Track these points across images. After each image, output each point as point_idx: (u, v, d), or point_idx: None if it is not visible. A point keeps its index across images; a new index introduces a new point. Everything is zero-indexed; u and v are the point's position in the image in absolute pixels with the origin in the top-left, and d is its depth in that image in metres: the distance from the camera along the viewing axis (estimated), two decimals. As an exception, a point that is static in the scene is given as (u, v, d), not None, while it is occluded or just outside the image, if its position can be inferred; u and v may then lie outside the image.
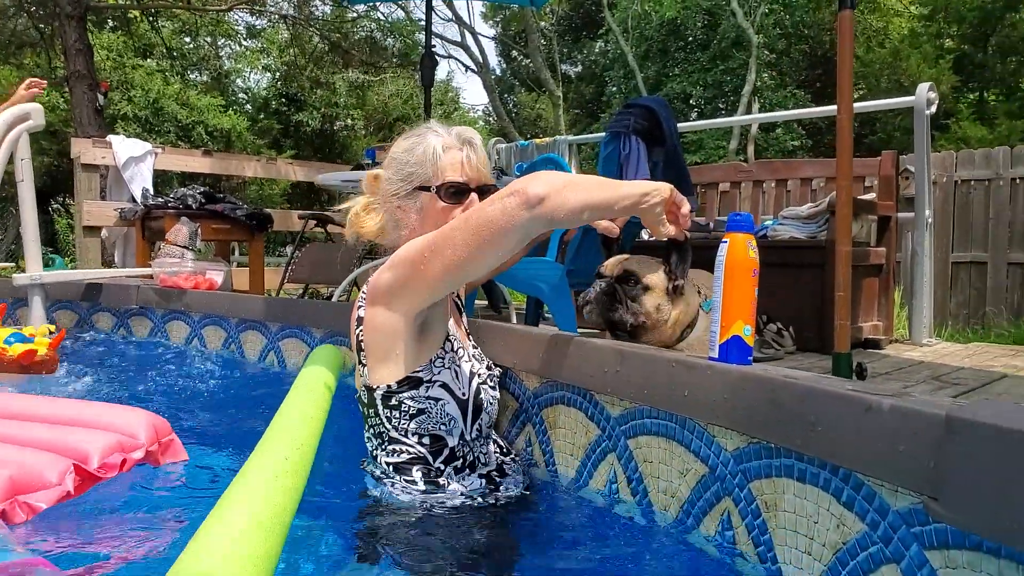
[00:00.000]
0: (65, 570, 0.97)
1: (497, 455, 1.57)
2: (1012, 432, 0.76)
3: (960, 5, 11.88)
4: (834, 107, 2.43)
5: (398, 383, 1.46)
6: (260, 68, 16.86)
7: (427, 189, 1.55)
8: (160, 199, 5.21)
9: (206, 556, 0.87)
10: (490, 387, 1.58)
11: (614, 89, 16.38)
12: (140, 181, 5.49)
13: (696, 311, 1.65)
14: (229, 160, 6.49)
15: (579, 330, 3.39)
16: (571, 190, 1.27)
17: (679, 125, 3.98)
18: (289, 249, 10.57)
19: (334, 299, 4.55)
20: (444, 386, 1.47)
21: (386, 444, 1.50)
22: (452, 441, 1.48)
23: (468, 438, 1.50)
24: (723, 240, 1.26)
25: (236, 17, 14.27)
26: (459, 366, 1.51)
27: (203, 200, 5.11)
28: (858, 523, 0.98)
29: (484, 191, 1.55)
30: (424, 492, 1.44)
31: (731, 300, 1.23)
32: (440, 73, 20.63)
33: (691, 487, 1.28)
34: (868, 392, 0.95)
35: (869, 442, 0.93)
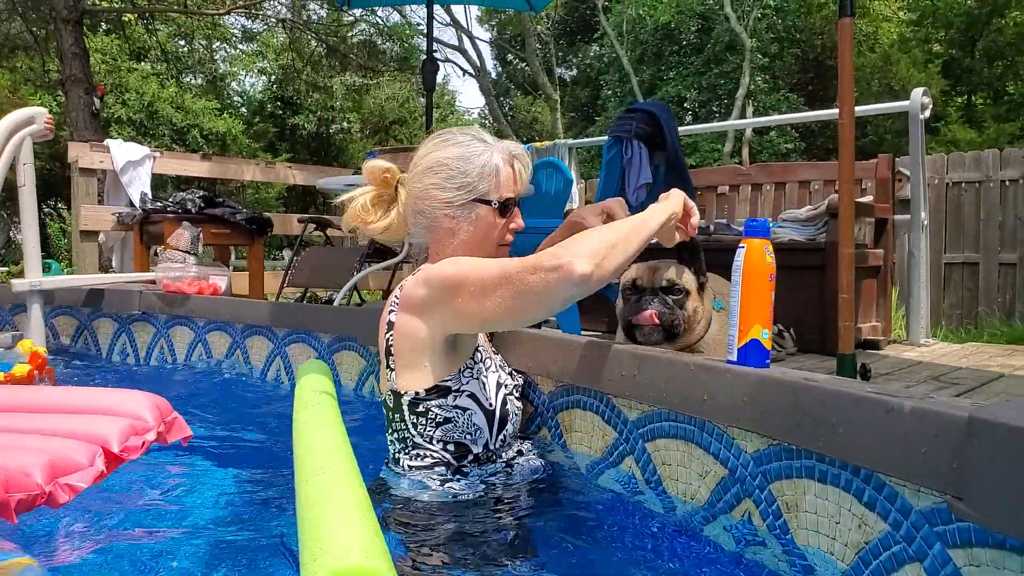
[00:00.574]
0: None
1: (516, 452, 1.60)
2: (1036, 433, 0.78)
3: (948, 11, 12.00)
4: (832, 111, 2.46)
5: (426, 391, 1.47)
6: (256, 71, 16.84)
7: (486, 203, 1.55)
8: (159, 203, 5.21)
9: (347, 554, 0.90)
10: (515, 398, 1.61)
11: (609, 93, 16.43)
12: (138, 185, 5.48)
13: (711, 309, 1.68)
14: (228, 164, 6.49)
15: (582, 332, 3.41)
16: (612, 254, 1.30)
17: (678, 129, 4.02)
18: (286, 253, 10.57)
19: (335, 303, 4.56)
20: (472, 396, 1.49)
21: (409, 449, 1.51)
22: (476, 449, 1.50)
23: (492, 447, 1.52)
24: (740, 245, 1.28)
25: (232, 20, 14.26)
26: (486, 377, 1.53)
27: (202, 204, 5.10)
28: (880, 523, 1.00)
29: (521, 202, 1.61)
30: (444, 481, 1.47)
31: (749, 304, 1.26)
32: (437, 77, 20.62)
33: (711, 489, 1.30)
34: (889, 395, 0.98)
35: (891, 443, 0.95)
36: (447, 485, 1.46)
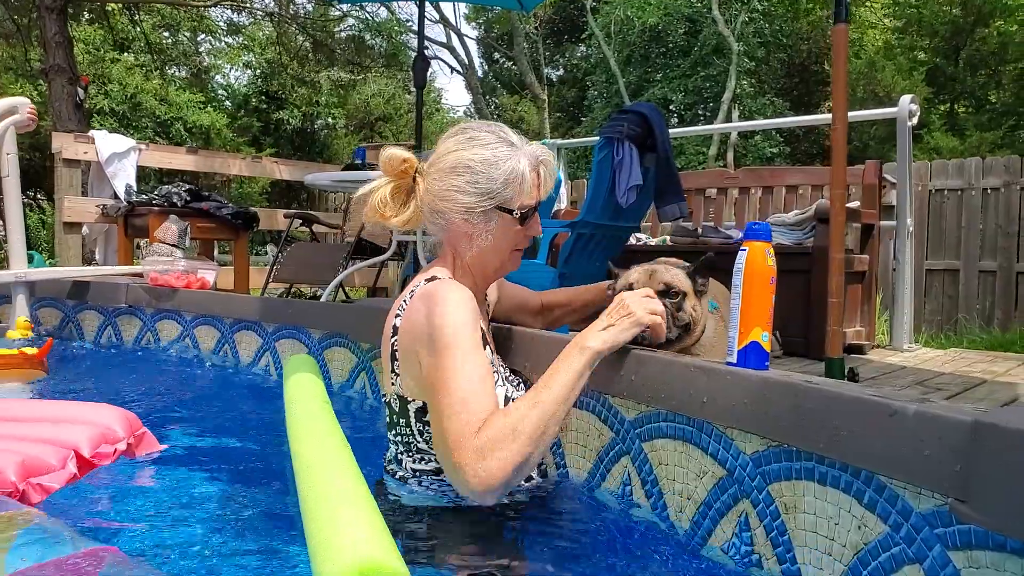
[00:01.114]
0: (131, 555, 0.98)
1: None
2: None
3: (933, 19, 12.15)
4: (822, 116, 2.48)
5: None
6: (241, 65, 16.71)
7: (508, 211, 1.51)
8: (144, 196, 5.15)
9: (362, 549, 0.92)
10: None
11: (595, 93, 16.47)
12: (123, 177, 5.42)
13: (708, 311, 1.68)
14: (214, 158, 6.43)
15: (569, 331, 3.42)
16: (540, 415, 1.29)
17: (670, 131, 4.04)
18: (270, 248, 10.50)
19: (323, 300, 4.53)
20: None
21: (413, 452, 1.49)
22: None
23: None
24: (742, 248, 1.29)
25: (217, 13, 14.13)
26: (491, 381, 1.47)
27: (188, 198, 5.06)
28: (880, 524, 1.01)
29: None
30: (447, 486, 1.45)
31: (749, 307, 1.27)
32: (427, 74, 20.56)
33: (708, 489, 1.30)
34: (892, 398, 0.99)
35: (893, 446, 0.96)
36: (450, 490, 1.45)
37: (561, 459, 1.67)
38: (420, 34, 5.21)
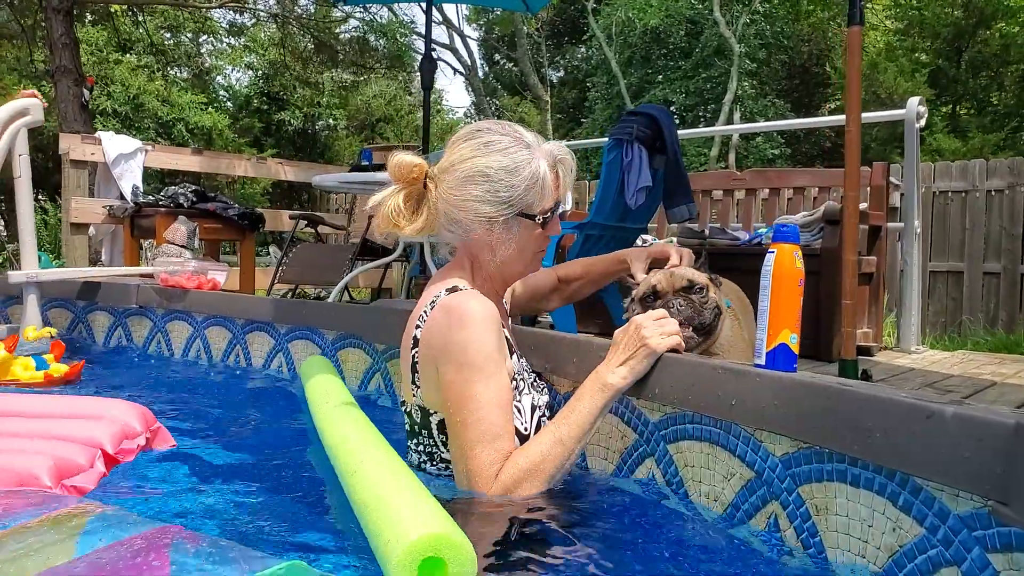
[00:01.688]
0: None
1: None
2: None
3: (934, 21, 12.16)
4: (833, 118, 2.48)
5: None
6: (243, 66, 16.71)
7: (530, 217, 1.48)
8: (151, 197, 5.16)
9: (424, 523, 0.97)
10: (547, 419, 1.56)
11: (596, 95, 16.48)
12: (130, 179, 5.42)
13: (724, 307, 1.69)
14: (219, 159, 6.44)
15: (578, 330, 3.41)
16: (563, 452, 1.34)
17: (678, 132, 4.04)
18: (272, 250, 10.49)
19: (330, 301, 4.53)
20: None
21: (437, 462, 1.49)
22: None
23: None
24: (770, 250, 1.29)
25: (219, 14, 14.14)
26: (521, 401, 1.47)
27: (194, 199, 5.06)
28: (916, 527, 1.01)
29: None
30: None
31: (778, 309, 1.27)
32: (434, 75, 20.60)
33: (736, 491, 1.31)
34: (929, 400, 0.99)
35: (931, 449, 0.97)
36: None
37: (582, 460, 1.67)
38: (427, 36, 5.22)
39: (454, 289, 1.48)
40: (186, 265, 3.34)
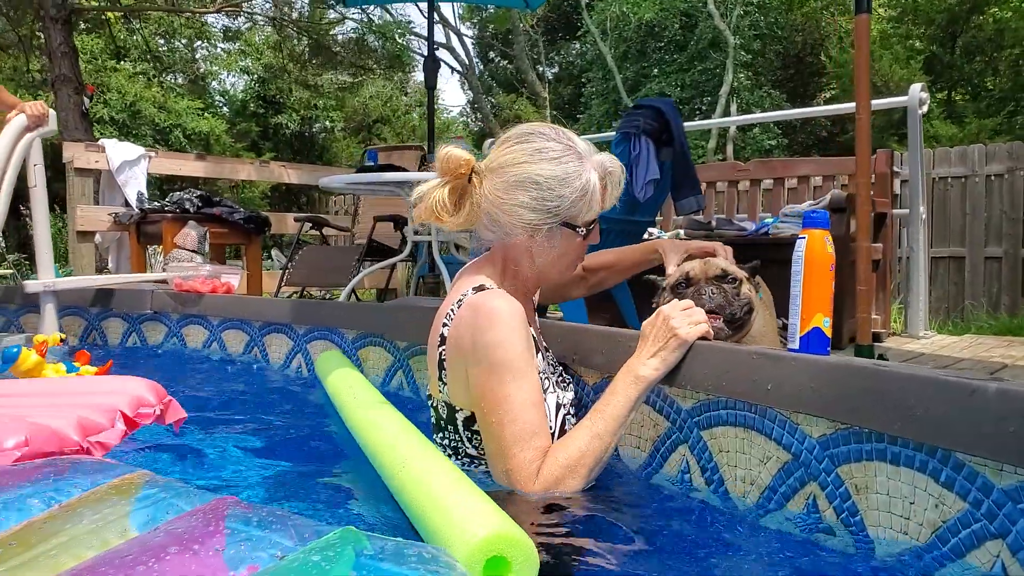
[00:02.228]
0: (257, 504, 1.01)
1: None
2: None
3: (928, 7, 12.19)
4: (843, 106, 2.48)
5: None
6: (238, 70, 16.71)
7: (573, 228, 1.48)
8: (156, 203, 5.17)
9: (488, 522, 0.99)
10: (572, 417, 1.59)
11: (592, 90, 16.50)
12: (135, 185, 5.44)
13: (757, 299, 1.71)
14: (223, 163, 6.45)
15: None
16: (601, 446, 1.36)
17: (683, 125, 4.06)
18: (274, 253, 10.51)
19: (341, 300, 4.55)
20: None
21: (463, 457, 1.51)
22: None
23: None
24: (800, 236, 1.32)
25: (213, 19, 14.13)
26: (546, 401, 1.48)
27: (200, 204, 5.07)
28: (959, 502, 1.03)
29: None
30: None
31: (811, 294, 1.29)
32: (419, 74, 20.62)
33: (772, 474, 1.33)
34: (970, 378, 1.01)
35: (974, 425, 0.99)
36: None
37: (615, 450, 1.69)
38: (430, 35, 5.23)
39: (481, 288, 1.48)
40: (200, 269, 3.35)
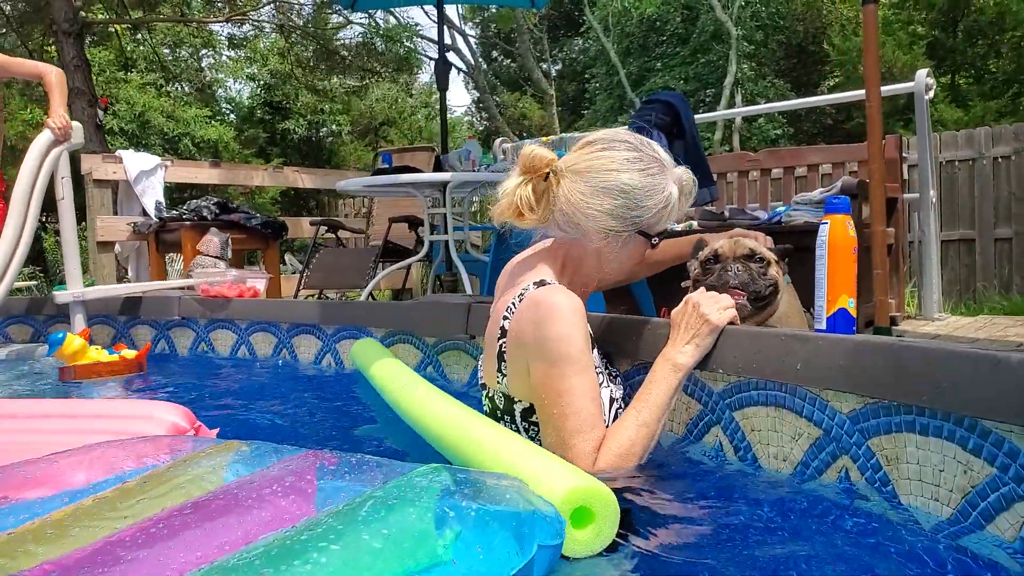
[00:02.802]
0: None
1: None
2: None
3: (929, -8, 12.21)
4: (853, 93, 2.53)
5: None
6: (244, 78, 16.82)
7: (647, 237, 1.52)
8: (175, 211, 5.26)
9: (570, 477, 1.08)
10: (623, 410, 1.61)
11: (597, 86, 16.54)
12: (152, 195, 5.52)
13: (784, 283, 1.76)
14: (237, 170, 6.53)
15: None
16: (648, 434, 1.41)
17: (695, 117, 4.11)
18: (288, 258, 10.60)
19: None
20: None
21: None
22: None
23: None
24: (823, 222, 1.37)
25: (219, 27, 14.25)
26: (600, 394, 1.51)
27: (217, 211, 5.16)
28: (987, 467, 1.09)
29: None
30: None
31: (835, 276, 1.35)
32: (424, 76, 20.70)
33: (804, 450, 1.39)
34: (993, 350, 1.07)
35: (1000, 394, 1.05)
36: None
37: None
38: (440, 38, 5.30)
39: (542, 283, 1.52)
40: (226, 275, 3.43)
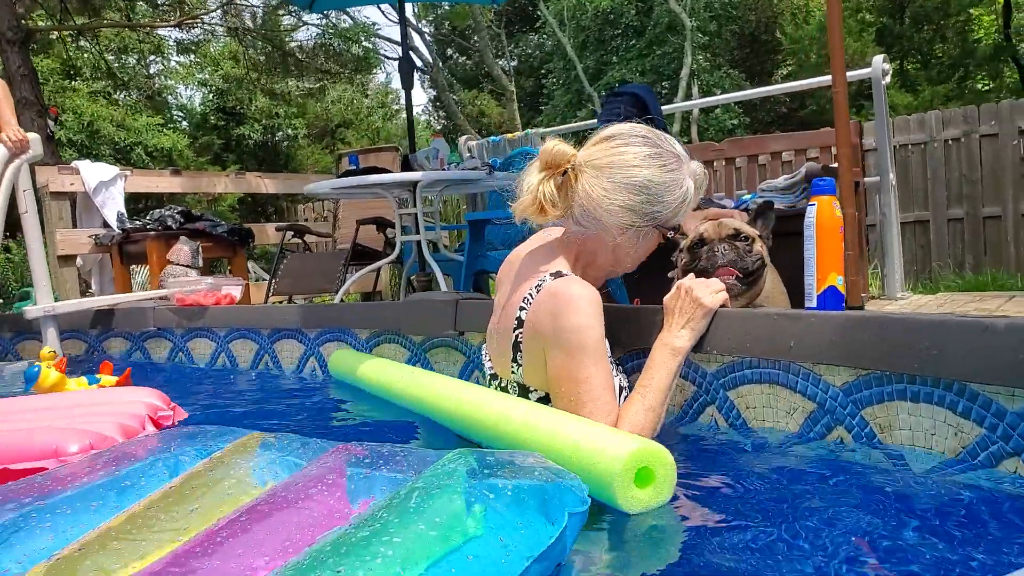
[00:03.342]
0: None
1: None
2: None
3: (875, -21, 12.55)
4: (792, 84, 2.60)
5: None
6: (196, 84, 16.51)
7: (662, 229, 1.55)
8: (138, 222, 5.16)
9: (628, 439, 1.16)
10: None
11: (554, 81, 16.62)
12: (113, 206, 5.41)
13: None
14: (199, 178, 6.43)
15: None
16: (655, 417, 1.44)
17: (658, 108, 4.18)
18: (250, 265, 10.46)
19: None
20: None
21: None
22: None
23: None
24: (811, 203, 1.43)
25: (167, 32, 13.95)
26: (613, 383, 1.54)
27: (182, 220, 5.08)
28: (976, 428, 1.15)
29: None
30: None
31: (824, 255, 1.41)
32: (380, 76, 20.56)
33: (800, 423, 1.44)
34: (980, 317, 1.13)
35: (987, 358, 1.11)
36: None
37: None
38: (403, 37, 5.28)
39: (559, 274, 1.54)
40: (201, 282, 3.39)
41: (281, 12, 12.11)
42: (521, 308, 1.54)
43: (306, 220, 9.27)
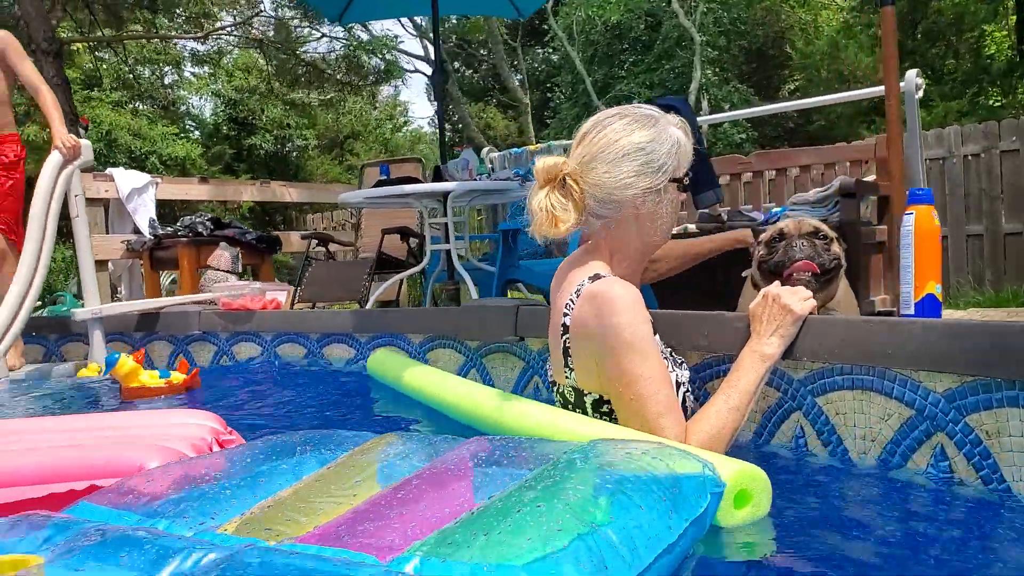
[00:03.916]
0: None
1: None
2: None
3: (887, -4, 12.60)
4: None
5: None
6: (210, 94, 16.62)
7: (678, 180, 1.59)
8: (170, 229, 5.20)
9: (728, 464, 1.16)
10: (692, 395, 1.68)
11: (562, 95, 16.70)
12: (145, 212, 5.45)
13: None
14: (226, 186, 6.48)
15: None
16: (738, 417, 1.46)
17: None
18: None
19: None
20: None
21: None
22: None
23: None
24: (908, 212, 1.45)
25: (182, 44, 14.06)
26: (670, 377, 1.55)
27: (212, 227, 5.12)
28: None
29: None
30: None
31: (923, 263, 1.43)
32: (389, 89, 20.68)
33: (895, 429, 1.46)
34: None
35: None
36: None
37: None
38: (437, 50, 5.32)
39: (596, 277, 1.57)
40: (247, 287, 3.41)
41: (304, 25, 12.22)
42: (564, 314, 1.57)
43: (324, 229, 9.33)
